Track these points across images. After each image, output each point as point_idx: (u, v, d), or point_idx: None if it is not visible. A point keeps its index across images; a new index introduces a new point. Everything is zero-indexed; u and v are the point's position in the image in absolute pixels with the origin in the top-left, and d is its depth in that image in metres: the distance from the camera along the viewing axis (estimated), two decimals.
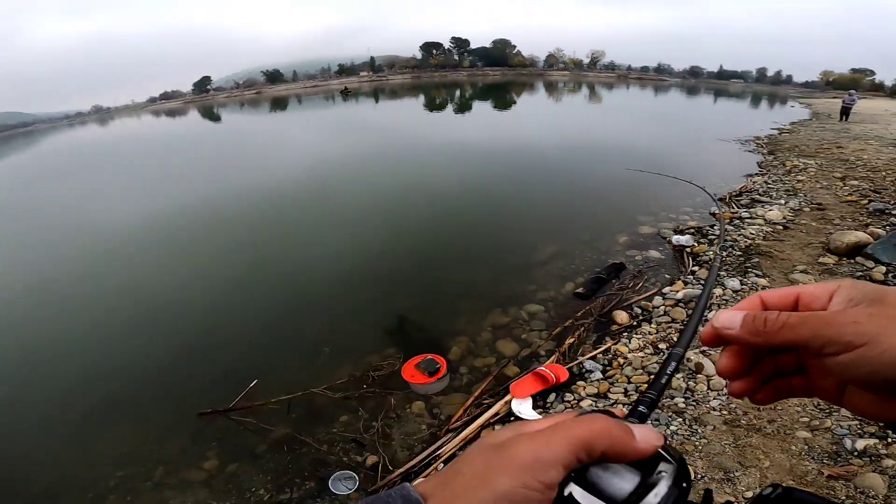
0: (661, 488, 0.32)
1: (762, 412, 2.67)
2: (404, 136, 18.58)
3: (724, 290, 4.11)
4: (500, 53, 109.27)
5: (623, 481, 0.32)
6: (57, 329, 5.20)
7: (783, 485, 0.36)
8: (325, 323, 4.64)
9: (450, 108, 33.16)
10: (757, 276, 4.28)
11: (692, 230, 5.87)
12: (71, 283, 6.43)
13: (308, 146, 17.61)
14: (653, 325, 3.86)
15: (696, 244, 5.35)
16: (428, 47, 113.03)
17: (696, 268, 4.81)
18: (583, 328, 4.04)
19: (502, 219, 7.26)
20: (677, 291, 4.28)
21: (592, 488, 0.31)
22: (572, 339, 3.88)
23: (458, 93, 49.61)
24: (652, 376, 0.50)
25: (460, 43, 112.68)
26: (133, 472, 3.13)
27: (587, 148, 13.11)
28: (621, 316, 4.10)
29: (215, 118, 45.46)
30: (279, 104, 54.84)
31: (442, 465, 2.67)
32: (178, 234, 7.93)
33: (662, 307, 4.09)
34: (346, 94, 54.46)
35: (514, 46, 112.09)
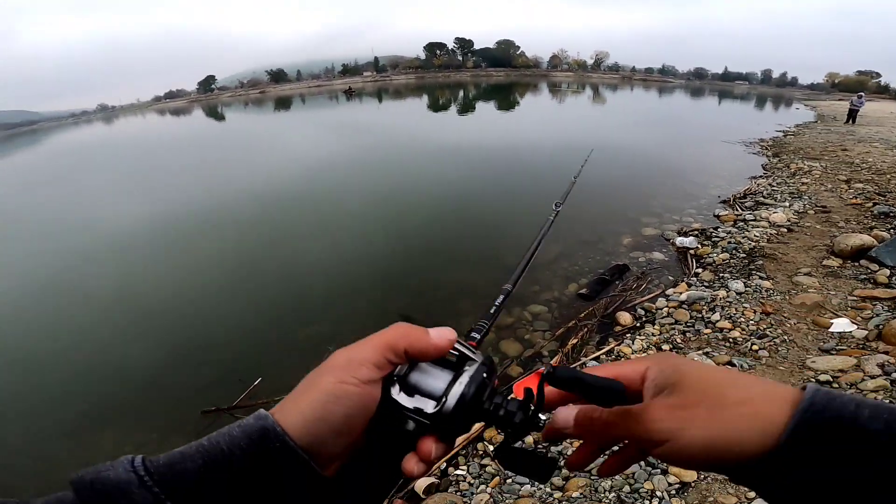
0: (464, 378, 0.39)
1: None
2: (407, 136, 18.60)
3: (727, 292, 4.11)
4: (504, 54, 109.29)
5: (438, 380, 0.40)
6: (60, 327, 5.22)
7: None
8: (329, 322, 4.65)
9: (453, 108, 33.18)
10: (761, 278, 4.27)
11: (696, 232, 5.86)
12: (74, 281, 6.45)
13: (311, 146, 17.64)
14: (656, 327, 3.85)
15: (699, 246, 5.34)
16: (432, 48, 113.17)
17: (699, 270, 4.80)
18: (586, 329, 4.04)
19: (505, 219, 7.26)
20: (681, 293, 4.27)
21: (415, 391, 0.39)
22: (576, 340, 3.88)
23: (461, 93, 49.63)
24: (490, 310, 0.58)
25: (464, 43, 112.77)
26: None
27: (589, 149, 13.08)
28: (624, 317, 4.10)
29: (219, 117, 45.63)
30: (283, 104, 55.01)
31: (444, 464, 2.67)
32: (182, 233, 7.96)
33: (666, 308, 4.08)
34: (350, 94, 54.59)
35: (518, 47, 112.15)
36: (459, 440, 2.91)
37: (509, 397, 0.42)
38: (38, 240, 8.77)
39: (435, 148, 14.79)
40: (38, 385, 4.21)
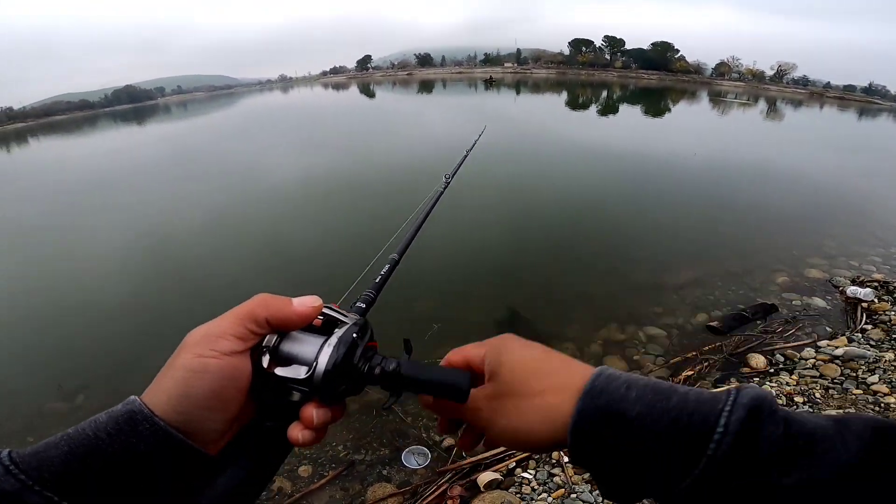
0: (332, 340, 0.39)
1: None
2: (541, 132, 18.34)
3: None
4: (660, 56, 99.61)
5: (308, 346, 0.39)
6: (218, 254, 6.34)
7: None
8: (442, 301, 4.84)
9: (593, 108, 31.59)
10: None
11: (876, 283, 4.89)
12: (230, 223, 7.80)
13: (452, 130, 18.47)
14: (794, 377, 3.41)
15: (876, 300, 4.47)
16: (577, 44, 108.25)
17: (868, 326, 4.04)
18: (707, 364, 3.73)
19: (638, 232, 6.82)
20: (836, 347, 3.67)
21: (284, 359, 0.39)
22: (691, 372, 3.62)
23: (604, 94, 46.85)
24: (376, 280, 0.60)
25: (614, 42, 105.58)
26: None
27: (753, 170, 11.43)
28: (757, 360, 3.68)
29: (371, 94, 50.03)
30: (426, 87, 58.11)
31: (514, 463, 2.69)
32: (330, 194, 9.11)
33: (812, 360, 3.56)
34: (490, 83, 55.34)
35: (678, 50, 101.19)
36: None
37: (388, 356, 0.43)
38: (219, 183, 10.82)
39: (569, 146, 14.38)
40: (186, 306, 4.94)
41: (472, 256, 6.01)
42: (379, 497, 2.59)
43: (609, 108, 31.87)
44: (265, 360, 0.38)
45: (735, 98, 48.29)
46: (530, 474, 2.60)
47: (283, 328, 0.40)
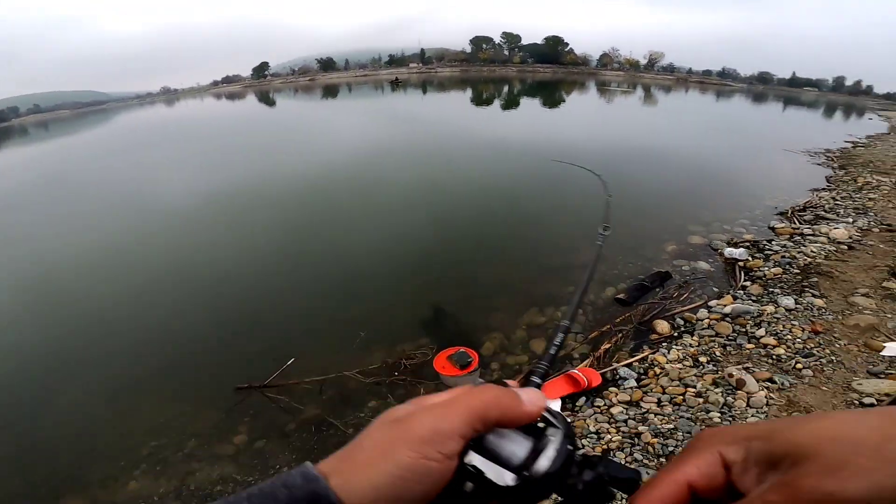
0: (550, 451, 0.35)
1: None
2: (450, 129, 18.62)
3: (776, 308, 3.90)
4: (552, 51, 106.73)
5: (518, 447, 0.35)
6: (109, 292, 5.55)
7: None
8: (364, 307, 4.75)
9: (497, 103, 32.87)
10: (814, 296, 4.02)
11: (747, 244, 5.57)
12: (123, 251, 6.89)
13: (356, 135, 18.00)
14: (695, 338, 3.72)
15: (750, 258, 5.08)
16: (478, 41, 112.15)
17: (747, 283, 4.57)
18: (620, 335, 3.95)
19: (545, 218, 7.17)
20: (725, 305, 4.09)
21: (492, 456, 0.34)
22: (608, 345, 3.81)
23: (506, 88, 49.05)
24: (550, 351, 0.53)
25: (511, 38, 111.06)
26: (166, 442, 3.23)
27: (636, 151, 12.64)
28: (662, 325, 3.98)
29: (270, 102, 47.29)
30: (330, 91, 56.33)
31: None
32: (231, 211, 8.38)
33: (707, 320, 3.93)
34: (396, 84, 55.13)
35: (567, 44, 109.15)
36: None
37: (584, 468, 0.38)
38: (97, 210, 9.45)
39: (477, 142, 14.73)
40: (82, 352, 4.44)
41: (389, 259, 5.88)
42: None
43: (511, 102, 33.41)
44: (472, 457, 0.34)
45: (618, 87, 53.37)
46: None
47: (505, 427, 0.35)
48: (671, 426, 2.74)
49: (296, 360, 3.77)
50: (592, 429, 2.85)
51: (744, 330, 3.70)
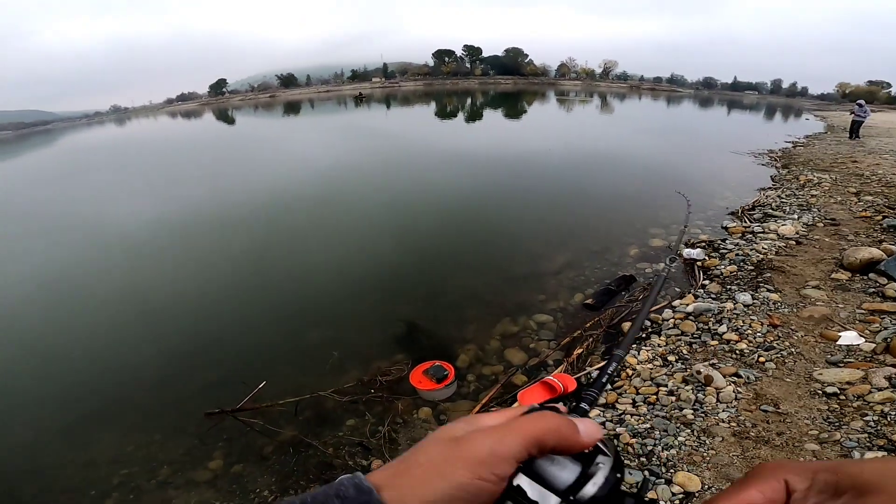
0: (599, 478, 0.35)
1: (771, 424, 2.65)
2: (413, 143, 18.72)
3: (735, 304, 4.09)
4: (513, 62, 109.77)
5: (566, 472, 0.35)
6: (63, 325, 5.27)
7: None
8: (335, 327, 4.67)
9: (461, 116, 33.36)
10: (769, 290, 4.25)
11: (703, 244, 5.85)
12: (77, 282, 6.51)
13: (317, 152, 17.79)
14: (662, 338, 3.84)
15: (707, 258, 5.33)
16: (440, 54, 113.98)
17: (706, 281, 4.78)
18: (592, 339, 4.04)
19: (511, 228, 7.28)
20: (687, 304, 4.26)
21: (539, 479, 0.34)
22: (581, 350, 3.88)
23: (469, 101, 49.91)
24: (596, 372, 0.54)
25: (473, 51, 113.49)
26: (137, 470, 3.12)
27: (597, 158, 13.13)
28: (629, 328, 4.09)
29: (230, 121, 46.14)
30: (292, 108, 55.60)
31: None
32: (188, 234, 8.07)
33: (672, 320, 4.07)
34: (360, 99, 54.97)
35: (527, 55, 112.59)
36: None
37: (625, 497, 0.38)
38: (44, 238, 8.88)
39: (441, 155, 14.87)
40: (40, 383, 4.24)
41: (357, 276, 5.80)
42: None
43: (474, 115, 33.97)
44: (524, 481, 0.34)
45: (576, 96, 55.39)
46: None
47: (558, 454, 0.35)
48: (647, 426, 2.81)
49: (267, 384, 3.65)
50: None
51: (707, 327, 3.85)
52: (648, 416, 2.90)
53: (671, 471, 2.44)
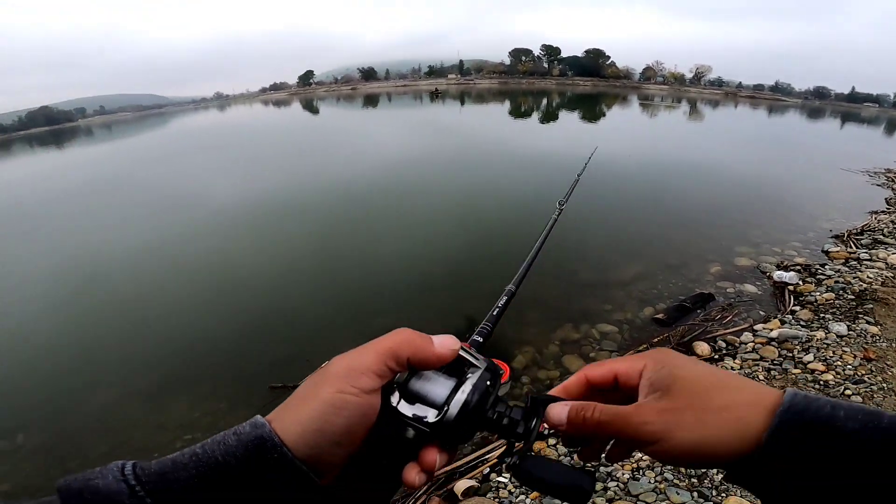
0: (467, 386, 0.39)
1: None
2: (486, 140, 18.75)
3: (826, 333, 3.73)
4: (593, 63, 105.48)
5: (440, 387, 0.39)
6: (154, 292, 5.81)
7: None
8: (398, 315, 4.80)
9: (535, 116, 32.79)
10: (868, 323, 3.81)
11: (799, 267, 5.33)
12: (172, 251, 7.26)
13: (394, 144, 18.42)
14: (737, 361, 3.61)
15: (801, 282, 4.87)
16: (517, 53, 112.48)
17: (797, 307, 4.38)
18: None
19: (582, 233, 7.07)
20: (771, 330, 3.94)
21: (418, 398, 0.38)
22: None
23: (545, 101, 48.84)
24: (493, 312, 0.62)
25: (551, 51, 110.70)
26: (200, 437, 3.22)
27: (682, 167, 12.30)
28: (702, 347, 3.88)
29: (314, 111, 49.11)
30: (371, 101, 57.89)
31: (488, 469, 2.69)
32: (269, 217, 8.73)
33: (751, 344, 3.80)
34: (436, 95, 56.03)
35: (609, 57, 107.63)
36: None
37: (512, 405, 0.42)
38: (150, 210, 10.07)
39: (514, 154, 14.76)
40: (131, 346, 4.65)
41: (422, 267, 5.99)
42: None
43: (550, 116, 33.21)
44: (395, 398, 0.38)
45: (661, 101, 52.03)
46: (505, 478, 2.60)
47: (420, 368, 0.40)
48: None
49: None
50: None
51: (790, 355, 3.56)
52: None
53: (722, 495, 2.35)
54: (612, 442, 0.44)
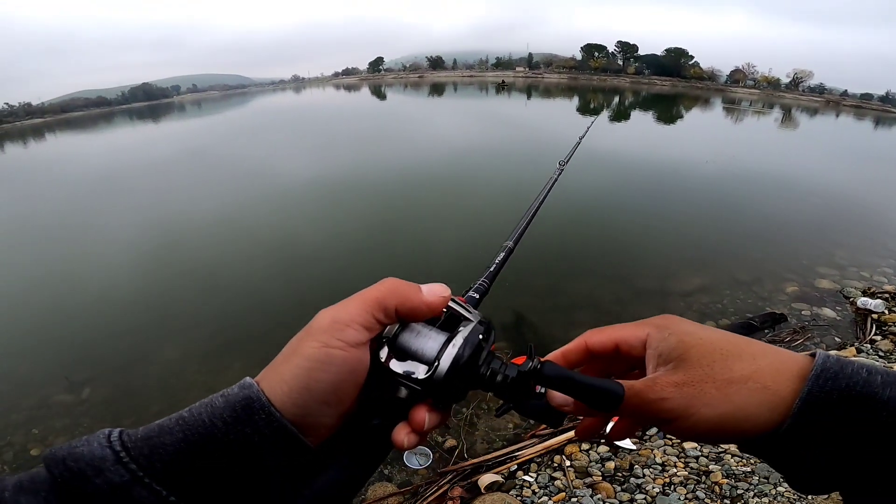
0: (458, 340, 0.36)
1: None
2: (552, 135, 18.31)
3: None
4: (674, 63, 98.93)
5: (431, 342, 0.36)
6: (225, 259, 6.26)
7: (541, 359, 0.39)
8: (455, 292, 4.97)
9: (605, 114, 31.46)
10: None
11: (887, 295, 4.80)
12: (246, 222, 7.82)
13: (458, 135, 18.51)
14: None
15: (886, 311, 4.39)
16: (590, 49, 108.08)
17: (878, 337, 3.97)
18: None
19: (645, 238, 6.78)
20: (846, 357, 3.61)
21: (403, 353, 0.36)
22: None
23: (616, 99, 46.66)
24: (490, 268, 0.58)
25: (627, 48, 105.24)
26: None
27: (766, 177, 11.30)
28: None
29: (381, 96, 50.35)
30: (437, 90, 58.32)
31: (515, 465, 2.67)
32: (334, 195, 9.20)
33: None
34: (502, 87, 55.38)
35: (692, 56, 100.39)
36: (539, 447, 2.81)
37: (508, 362, 0.39)
38: (223, 184, 10.94)
39: (578, 152, 14.31)
40: (200, 309, 4.97)
41: (479, 256, 6.02)
42: (379, 496, 2.58)
43: (621, 115, 31.72)
44: (383, 353, 0.36)
45: (749, 105, 47.84)
46: (531, 477, 2.59)
47: (409, 319, 0.37)
48: (748, 469, 2.55)
49: None
50: (659, 460, 2.73)
51: None
52: (753, 461, 2.62)
53: None
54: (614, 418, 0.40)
